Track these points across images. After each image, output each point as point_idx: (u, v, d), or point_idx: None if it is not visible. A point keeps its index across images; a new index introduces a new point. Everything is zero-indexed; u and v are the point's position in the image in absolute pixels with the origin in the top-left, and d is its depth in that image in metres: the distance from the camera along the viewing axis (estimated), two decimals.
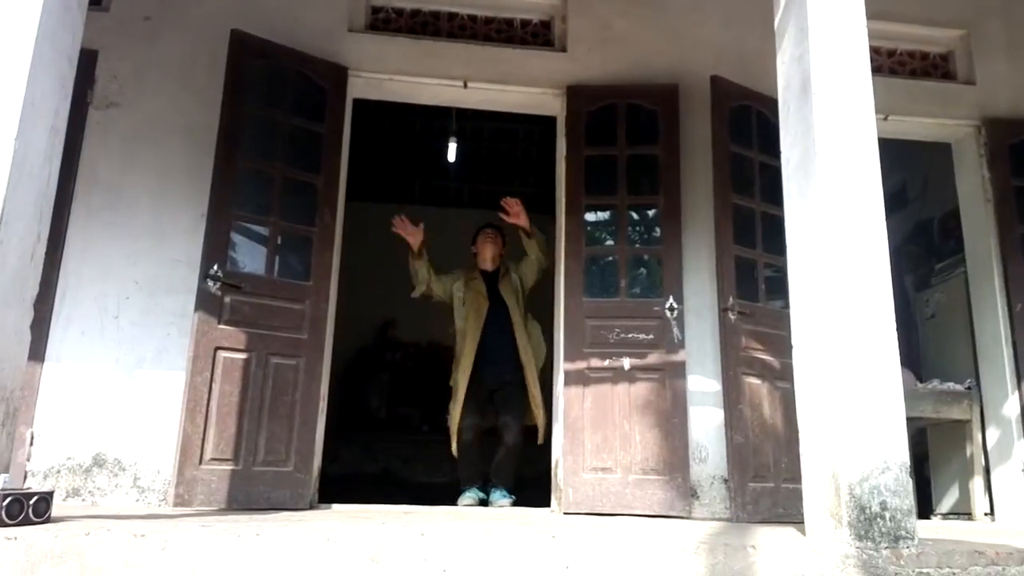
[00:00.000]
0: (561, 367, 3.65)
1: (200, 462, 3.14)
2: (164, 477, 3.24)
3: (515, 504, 3.84)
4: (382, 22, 4.03)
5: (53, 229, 2.43)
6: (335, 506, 3.43)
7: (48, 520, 2.09)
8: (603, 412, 3.54)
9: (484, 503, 3.92)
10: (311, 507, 3.31)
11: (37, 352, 3.21)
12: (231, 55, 3.51)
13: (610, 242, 3.89)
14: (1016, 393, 3.88)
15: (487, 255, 4.18)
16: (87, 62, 3.41)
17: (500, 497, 3.88)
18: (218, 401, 3.21)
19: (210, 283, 3.27)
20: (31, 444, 3.21)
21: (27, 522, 2.01)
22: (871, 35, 2.51)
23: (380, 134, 6.54)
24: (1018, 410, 3.86)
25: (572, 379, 3.60)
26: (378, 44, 3.93)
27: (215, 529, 1.98)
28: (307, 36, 3.76)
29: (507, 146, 6.97)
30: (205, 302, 3.26)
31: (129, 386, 3.35)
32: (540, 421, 3.93)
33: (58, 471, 3.23)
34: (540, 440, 3.95)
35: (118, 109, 3.62)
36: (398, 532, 2.02)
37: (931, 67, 4.41)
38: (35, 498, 2.07)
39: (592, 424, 3.53)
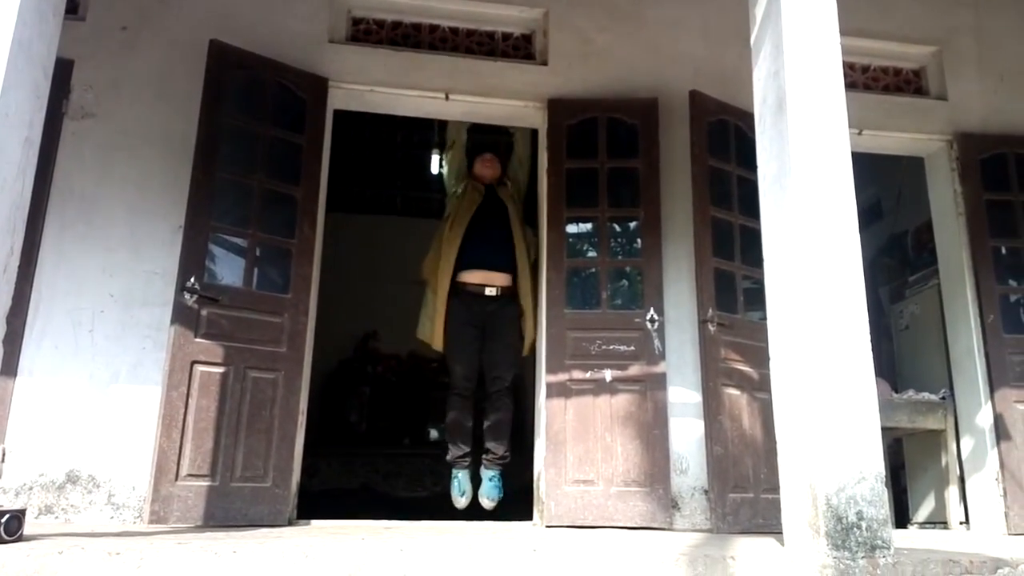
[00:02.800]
0: (543, 379, 3.65)
1: (176, 478, 3.09)
2: (139, 494, 3.18)
3: (503, 499, 3.78)
4: (363, 33, 4.03)
5: (27, 241, 2.39)
6: (314, 522, 3.39)
7: (20, 538, 2.05)
8: (585, 424, 3.55)
9: (472, 483, 3.83)
10: (290, 523, 3.27)
11: (9, 367, 3.15)
12: (210, 65, 3.49)
13: (592, 254, 3.91)
14: (989, 403, 3.94)
15: (486, 175, 4.08)
16: (62, 72, 3.38)
17: (489, 492, 3.74)
18: (195, 416, 3.17)
19: (187, 296, 3.23)
20: (2, 461, 3.14)
21: None
22: (845, 51, 2.56)
23: (361, 145, 6.53)
24: (991, 420, 3.92)
25: (554, 391, 3.60)
26: (359, 55, 3.93)
27: (191, 546, 1.95)
28: (287, 47, 3.75)
29: None
30: (182, 315, 3.22)
31: (104, 401, 3.29)
32: (529, 337, 3.81)
33: (30, 488, 3.16)
34: (526, 352, 3.85)
35: (94, 120, 3.58)
36: (377, 548, 2.00)
37: (904, 83, 4.50)
38: (7, 516, 2.03)
39: (574, 436, 3.53)
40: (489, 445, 3.85)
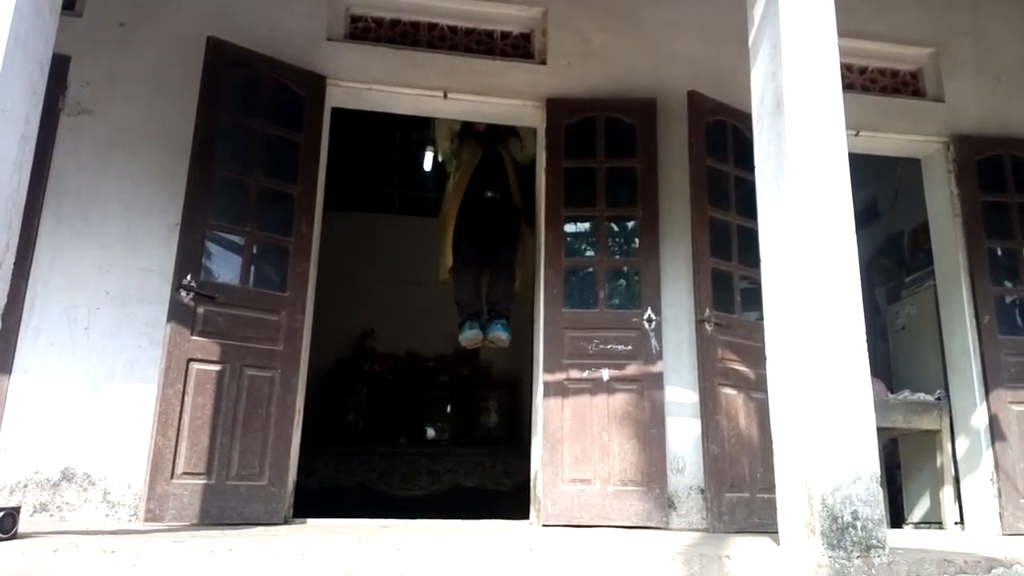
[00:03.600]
0: (541, 378, 3.65)
1: (172, 476, 3.08)
2: (135, 492, 3.17)
3: (485, 510, 3.85)
4: (362, 31, 4.03)
5: (22, 238, 2.38)
6: (310, 521, 3.38)
7: (15, 536, 2.04)
8: (582, 423, 3.55)
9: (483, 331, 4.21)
10: (286, 522, 3.26)
11: (4, 364, 3.15)
12: (207, 62, 3.48)
13: (590, 253, 3.91)
14: (984, 404, 3.95)
15: (480, 126, 4.45)
16: (59, 68, 3.37)
17: (500, 330, 4.17)
18: (190, 414, 3.16)
19: (183, 293, 3.23)
20: None
21: None
22: (843, 52, 2.57)
23: (359, 143, 6.52)
24: (986, 420, 3.93)
25: (551, 390, 3.60)
26: (357, 53, 3.92)
27: (187, 545, 1.95)
28: (285, 44, 3.74)
29: None
30: (178, 313, 3.22)
31: (99, 399, 3.28)
32: (521, 280, 4.35)
33: (25, 486, 3.15)
34: (519, 286, 4.36)
35: (90, 116, 3.57)
36: (374, 547, 2.00)
37: (901, 84, 4.51)
38: (1, 513, 2.02)
39: (571, 435, 3.53)
40: (492, 297, 4.31)
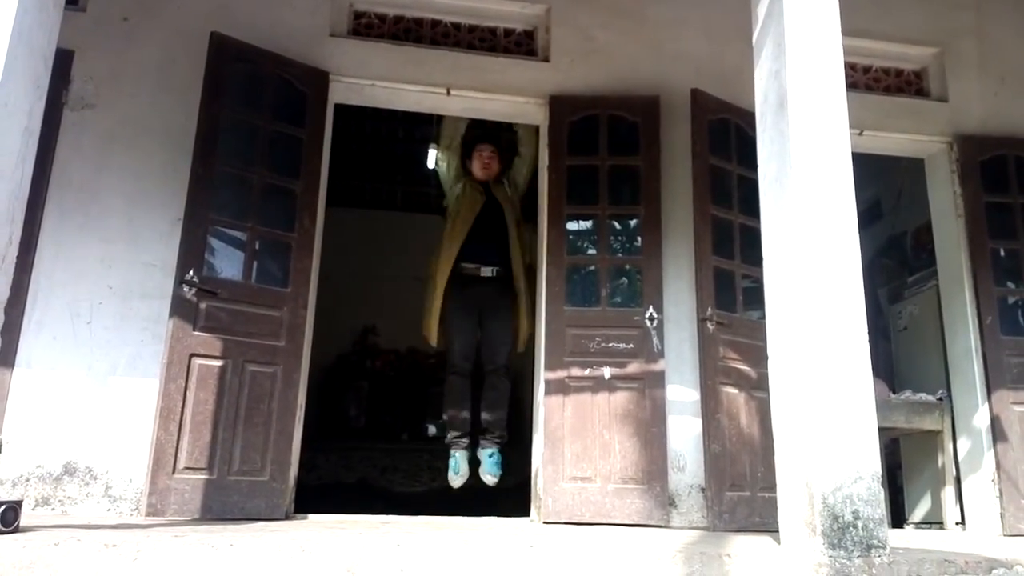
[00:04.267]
0: (542, 376, 3.65)
1: (173, 471, 3.09)
2: (136, 486, 3.18)
3: (486, 507, 3.79)
4: (365, 27, 4.02)
5: (25, 232, 2.38)
6: (311, 516, 3.39)
7: (16, 530, 2.05)
8: (583, 421, 3.55)
9: (469, 463, 3.88)
10: (287, 517, 3.27)
11: (7, 358, 3.15)
12: (210, 58, 3.48)
13: (591, 251, 3.90)
14: (986, 404, 3.95)
15: (485, 176, 4.12)
16: (63, 62, 3.37)
17: (490, 469, 3.80)
18: (192, 409, 3.17)
19: (185, 289, 3.23)
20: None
21: None
22: (847, 52, 2.56)
23: (362, 140, 6.52)
24: (988, 421, 3.93)
25: (553, 388, 3.60)
26: (360, 49, 3.92)
27: (188, 539, 1.95)
28: (288, 40, 3.74)
29: None
30: (180, 308, 3.22)
31: (101, 393, 3.29)
32: (524, 333, 3.92)
33: (27, 480, 3.16)
34: (521, 348, 3.96)
35: (94, 110, 3.57)
36: (374, 543, 2.01)
37: (905, 84, 4.49)
38: (3, 507, 2.03)
39: (572, 433, 3.53)
40: (486, 423, 3.91)
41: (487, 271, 3.95)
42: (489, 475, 3.82)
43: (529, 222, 4.10)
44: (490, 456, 3.86)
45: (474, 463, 3.93)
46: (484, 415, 3.91)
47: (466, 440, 3.93)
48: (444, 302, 3.89)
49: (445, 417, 3.97)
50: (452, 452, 3.91)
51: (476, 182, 4.09)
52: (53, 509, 3.14)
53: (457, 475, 3.87)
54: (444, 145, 4.17)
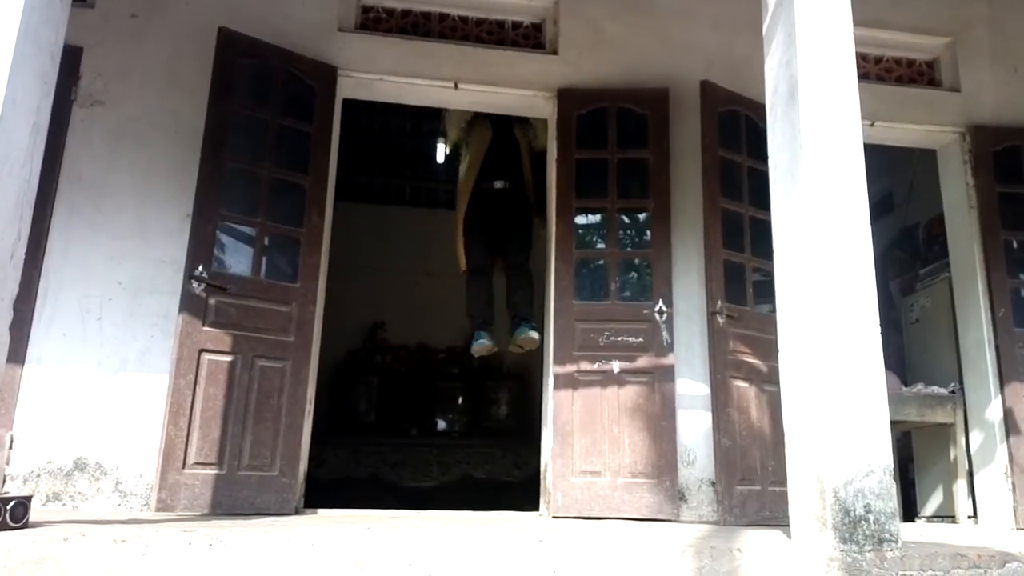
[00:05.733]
0: (551, 370, 3.65)
1: (183, 466, 3.10)
2: (147, 481, 3.20)
3: (495, 502, 3.83)
4: (372, 22, 4.01)
5: (35, 228, 2.40)
6: (321, 511, 3.40)
7: (26, 525, 2.06)
8: (592, 415, 3.54)
9: (494, 350, 4.17)
10: (297, 512, 3.28)
11: (17, 354, 3.17)
12: (218, 53, 3.48)
13: (600, 245, 3.89)
14: (999, 397, 3.91)
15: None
16: (71, 59, 3.38)
17: (527, 330, 4.03)
18: (202, 404, 3.18)
19: (195, 284, 3.24)
20: (10, 447, 3.17)
21: (4, 527, 1.98)
22: (858, 42, 2.53)
23: (370, 135, 6.52)
24: (1001, 414, 3.89)
25: (562, 382, 3.59)
26: (368, 44, 3.91)
27: (197, 534, 1.96)
28: (296, 35, 3.74)
29: None
30: (189, 303, 3.23)
31: (111, 389, 3.31)
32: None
33: (38, 475, 3.18)
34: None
35: (103, 107, 3.58)
36: (383, 537, 2.00)
37: (917, 74, 4.44)
38: (13, 503, 2.03)
39: (581, 427, 3.53)
40: (514, 303, 4.19)
41: (499, 183, 4.25)
42: (529, 332, 4.03)
43: (540, 173, 4.25)
44: (522, 325, 4.09)
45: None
46: (511, 297, 4.21)
47: (490, 325, 4.20)
48: (466, 217, 4.21)
49: (468, 310, 4.27)
50: (476, 331, 4.17)
51: (486, 122, 4.34)
52: (64, 505, 3.16)
53: (479, 342, 4.11)
54: (451, 138, 4.40)
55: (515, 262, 4.27)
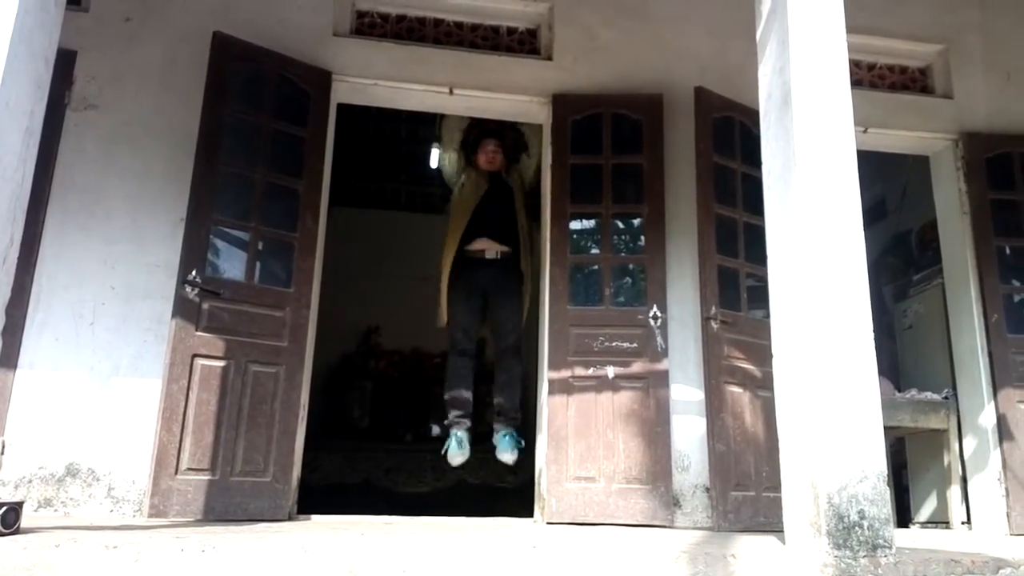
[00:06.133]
0: (545, 375, 3.64)
1: (176, 472, 3.08)
2: (139, 487, 3.18)
3: (489, 507, 3.75)
4: (367, 27, 4.02)
5: (27, 232, 2.38)
6: (315, 517, 3.38)
7: (18, 531, 2.04)
8: (587, 421, 3.53)
9: (471, 444, 3.75)
10: (290, 518, 3.26)
11: (9, 359, 3.15)
12: (213, 58, 3.48)
13: (595, 250, 3.89)
14: (992, 403, 3.92)
15: (490, 167, 4.15)
16: (65, 63, 3.37)
17: (506, 448, 3.70)
18: (195, 410, 3.16)
19: (188, 289, 3.22)
20: (2, 453, 3.14)
21: None
22: (851, 49, 2.54)
23: (365, 139, 6.52)
24: (994, 420, 3.90)
25: (556, 387, 3.59)
26: (363, 49, 3.91)
27: (190, 540, 1.95)
28: (291, 40, 3.74)
29: None
30: (183, 308, 3.22)
31: (104, 394, 3.29)
32: (523, 310, 3.95)
33: (30, 481, 3.16)
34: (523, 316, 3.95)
35: (96, 111, 3.57)
36: (377, 544, 2.00)
37: (910, 81, 4.47)
38: (4, 508, 2.02)
39: (576, 433, 3.52)
40: (499, 406, 3.85)
41: (491, 253, 3.95)
42: (506, 454, 3.73)
43: (536, 220, 4.10)
44: (504, 436, 3.78)
45: (478, 446, 3.85)
46: (497, 399, 3.87)
47: (467, 421, 3.85)
48: (450, 282, 3.90)
49: (446, 397, 3.87)
50: (452, 432, 3.81)
51: (481, 171, 4.14)
52: (56, 510, 3.14)
53: (459, 452, 3.74)
54: (446, 144, 4.20)
55: (504, 345, 3.91)
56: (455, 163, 4.15)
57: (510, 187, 4.10)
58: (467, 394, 3.84)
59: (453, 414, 3.86)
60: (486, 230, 3.96)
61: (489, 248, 3.95)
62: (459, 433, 3.81)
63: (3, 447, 3.15)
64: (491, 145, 4.16)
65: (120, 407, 3.27)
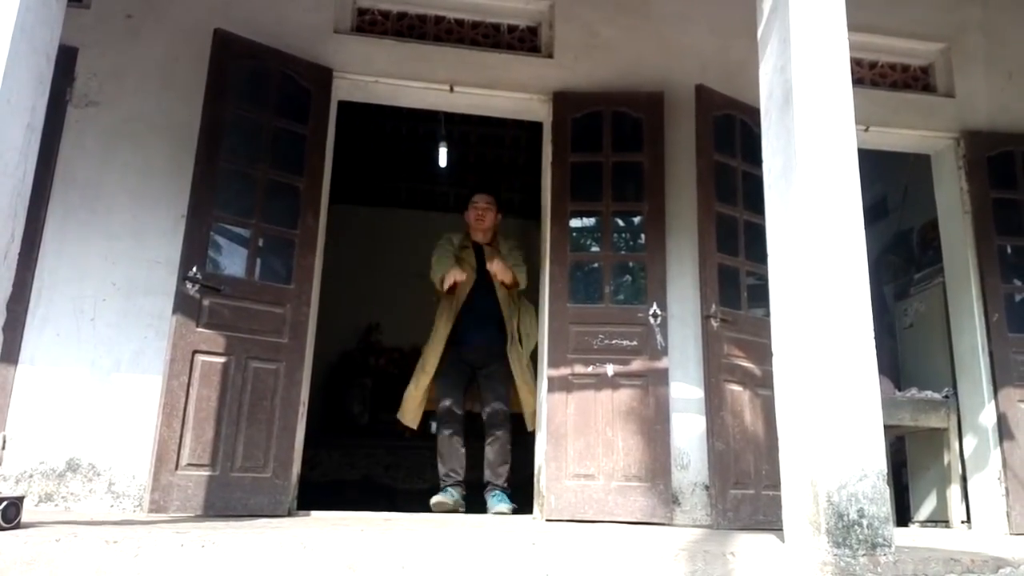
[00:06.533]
0: (545, 373, 3.64)
1: (176, 467, 3.09)
2: (139, 483, 3.19)
3: (516, 512, 3.70)
4: (368, 24, 4.01)
5: (29, 228, 2.39)
6: (314, 513, 3.39)
7: (18, 526, 2.05)
8: (586, 418, 3.54)
9: (458, 509, 3.74)
10: (290, 514, 3.27)
11: (11, 354, 3.16)
12: (214, 55, 3.48)
13: (595, 248, 3.90)
14: (992, 402, 3.92)
15: (479, 228, 4.11)
16: (66, 59, 3.37)
17: (500, 502, 3.70)
18: (195, 406, 3.17)
19: (189, 285, 3.23)
20: (3, 448, 3.15)
21: None
22: (853, 47, 2.54)
23: (366, 137, 6.52)
24: (994, 419, 3.90)
25: (556, 385, 3.59)
26: (364, 46, 3.91)
27: (189, 536, 1.95)
28: (292, 37, 3.74)
29: (494, 151, 6.97)
30: (183, 304, 3.22)
31: (105, 389, 3.29)
32: (528, 408, 3.85)
33: (31, 476, 3.17)
34: (530, 427, 3.84)
35: (98, 107, 3.57)
36: (376, 540, 2.00)
37: (912, 79, 4.46)
38: (4, 503, 2.02)
39: (575, 431, 3.53)
40: (491, 476, 3.85)
41: (479, 339, 3.91)
42: (501, 506, 3.70)
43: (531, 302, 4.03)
44: (495, 497, 3.77)
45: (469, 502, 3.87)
46: (488, 472, 3.86)
47: (459, 480, 3.83)
48: (438, 365, 3.88)
49: (440, 471, 3.87)
50: (444, 487, 3.80)
51: (469, 249, 4.04)
52: (56, 505, 3.15)
53: (441, 498, 3.72)
54: (440, 258, 4.02)
55: (492, 412, 3.87)
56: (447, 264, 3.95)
57: (494, 284, 3.94)
58: (460, 467, 3.85)
59: (444, 471, 3.86)
60: (474, 331, 3.91)
61: (476, 335, 3.90)
62: (451, 489, 3.80)
63: (4, 442, 3.16)
64: (481, 202, 4.09)
65: (121, 402, 3.28)
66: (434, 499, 3.74)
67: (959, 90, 4.36)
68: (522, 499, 3.78)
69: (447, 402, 3.89)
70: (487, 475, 3.87)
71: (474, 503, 3.86)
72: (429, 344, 3.98)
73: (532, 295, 4.09)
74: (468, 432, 3.96)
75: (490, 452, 3.87)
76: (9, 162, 2.13)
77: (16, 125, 2.16)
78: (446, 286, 3.83)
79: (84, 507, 3.16)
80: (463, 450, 3.88)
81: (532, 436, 3.83)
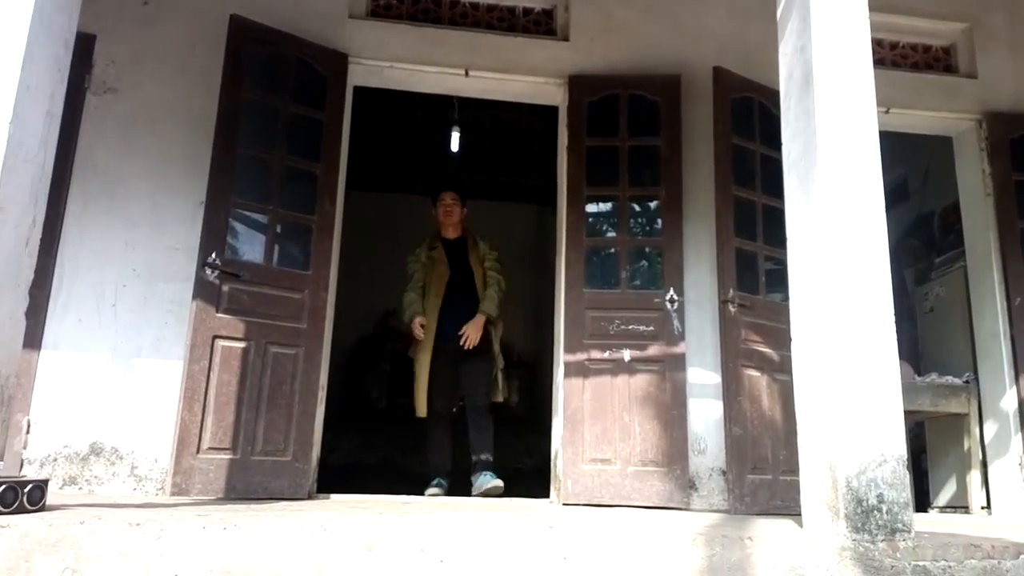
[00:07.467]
0: (561, 358, 3.65)
1: (198, 451, 3.13)
2: (161, 466, 3.23)
3: (506, 488, 3.79)
4: (383, 9, 4.00)
5: (50, 215, 2.41)
6: (334, 496, 3.43)
7: (43, 508, 2.09)
8: (603, 403, 3.54)
9: (448, 493, 3.91)
10: (309, 497, 3.31)
11: (33, 339, 3.20)
12: (230, 41, 3.49)
13: (611, 233, 3.88)
14: (1014, 387, 3.88)
15: (448, 223, 4.22)
16: (84, 46, 3.39)
17: (489, 479, 3.80)
18: (216, 390, 3.20)
19: (208, 271, 3.26)
20: (27, 432, 3.21)
21: (22, 510, 2.01)
22: (874, 27, 2.49)
23: (382, 122, 6.51)
24: (1015, 404, 3.86)
25: (572, 370, 3.59)
26: (379, 31, 3.90)
27: (211, 518, 1.98)
28: (307, 22, 3.73)
29: (509, 136, 6.94)
30: (203, 290, 3.25)
31: (126, 374, 3.34)
32: (501, 393, 4.09)
33: (55, 459, 3.22)
34: (500, 396, 4.08)
35: (116, 94, 3.59)
36: (395, 522, 2.02)
37: (933, 60, 4.38)
38: (30, 486, 2.06)
39: (592, 415, 3.53)
40: (476, 456, 3.95)
41: (462, 340, 3.99)
42: (491, 484, 3.78)
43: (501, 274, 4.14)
44: (485, 475, 3.85)
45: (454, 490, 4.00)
46: (474, 457, 3.97)
47: (447, 470, 4.02)
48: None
49: (431, 463, 4.04)
50: (434, 478, 3.96)
51: (438, 248, 4.16)
52: (80, 488, 3.20)
53: (433, 490, 3.90)
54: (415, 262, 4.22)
55: (475, 406, 4.03)
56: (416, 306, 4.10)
57: (471, 270, 4.12)
58: (447, 460, 4.04)
59: (434, 471, 4.01)
60: (454, 322, 4.00)
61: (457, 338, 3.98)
62: (438, 479, 3.97)
63: (29, 426, 3.22)
64: (448, 198, 4.20)
65: (142, 387, 3.32)
66: (429, 490, 3.90)
67: (981, 71, 4.28)
68: (538, 484, 3.79)
69: (437, 406, 4.02)
70: (475, 459, 3.97)
71: (457, 487, 4.02)
72: (418, 342, 4.07)
73: (548, 282, 4.09)
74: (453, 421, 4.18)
75: (476, 441, 3.99)
76: (29, 149, 2.15)
77: (36, 112, 2.18)
78: (413, 333, 4.03)
79: (107, 490, 3.21)
80: (450, 446, 4.07)
81: (547, 422, 3.84)
